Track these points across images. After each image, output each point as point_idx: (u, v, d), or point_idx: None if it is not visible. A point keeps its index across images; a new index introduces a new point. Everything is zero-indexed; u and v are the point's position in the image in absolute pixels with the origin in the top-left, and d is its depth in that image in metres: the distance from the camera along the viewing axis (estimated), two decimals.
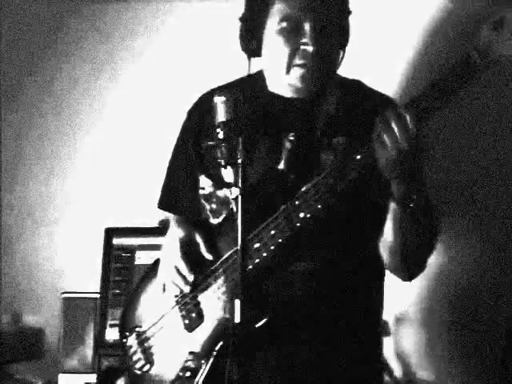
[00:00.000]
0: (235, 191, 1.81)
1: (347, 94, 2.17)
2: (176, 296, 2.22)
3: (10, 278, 3.29)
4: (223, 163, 1.85)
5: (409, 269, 2.13)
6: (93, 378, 2.94)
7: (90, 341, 3.01)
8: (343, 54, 2.14)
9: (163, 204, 2.38)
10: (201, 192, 2.24)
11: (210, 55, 3.10)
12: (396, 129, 1.86)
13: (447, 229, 2.15)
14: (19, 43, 3.33)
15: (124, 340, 2.30)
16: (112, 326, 2.92)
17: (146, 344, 2.26)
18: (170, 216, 2.37)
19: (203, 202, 2.24)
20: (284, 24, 2.06)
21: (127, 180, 3.24)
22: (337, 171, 1.98)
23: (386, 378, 2.84)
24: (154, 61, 3.25)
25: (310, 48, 2.05)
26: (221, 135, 1.85)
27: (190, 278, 2.17)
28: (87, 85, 3.30)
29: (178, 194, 2.33)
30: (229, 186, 1.85)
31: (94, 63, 3.30)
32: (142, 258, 3.01)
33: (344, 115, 2.14)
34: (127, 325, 2.32)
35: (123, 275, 3.00)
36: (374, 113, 2.05)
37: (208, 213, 2.23)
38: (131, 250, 3.03)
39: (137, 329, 2.29)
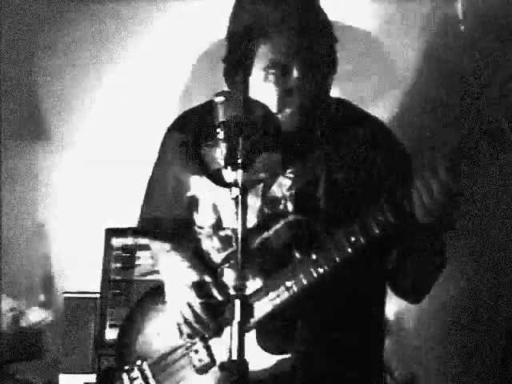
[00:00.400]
0: (235, 191, 1.80)
1: (343, 102, 2.21)
2: (189, 336, 2.18)
3: (10, 277, 3.29)
4: (223, 163, 1.85)
5: (418, 294, 2.20)
6: (93, 378, 2.94)
7: (90, 341, 3.01)
8: (332, 79, 2.12)
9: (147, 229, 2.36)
10: (199, 230, 2.22)
11: (209, 55, 3.09)
12: (442, 183, 1.94)
13: None
14: (19, 43, 3.32)
15: (124, 374, 2.25)
16: (112, 326, 2.92)
17: (150, 382, 2.23)
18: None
19: (203, 238, 2.22)
20: (272, 70, 2.03)
21: (127, 180, 3.23)
22: (360, 229, 1.99)
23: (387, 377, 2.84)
24: (154, 61, 3.25)
25: (299, 92, 2.04)
26: (221, 135, 1.85)
27: (212, 324, 2.15)
28: (87, 85, 3.31)
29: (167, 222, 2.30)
30: (229, 185, 1.84)
31: (94, 63, 3.30)
32: (142, 258, 3.01)
33: (344, 115, 2.16)
34: (125, 357, 2.27)
35: (123, 275, 3.00)
36: (369, 126, 2.12)
37: (209, 249, 2.21)
38: (131, 249, 3.03)
39: (138, 362, 2.24)
